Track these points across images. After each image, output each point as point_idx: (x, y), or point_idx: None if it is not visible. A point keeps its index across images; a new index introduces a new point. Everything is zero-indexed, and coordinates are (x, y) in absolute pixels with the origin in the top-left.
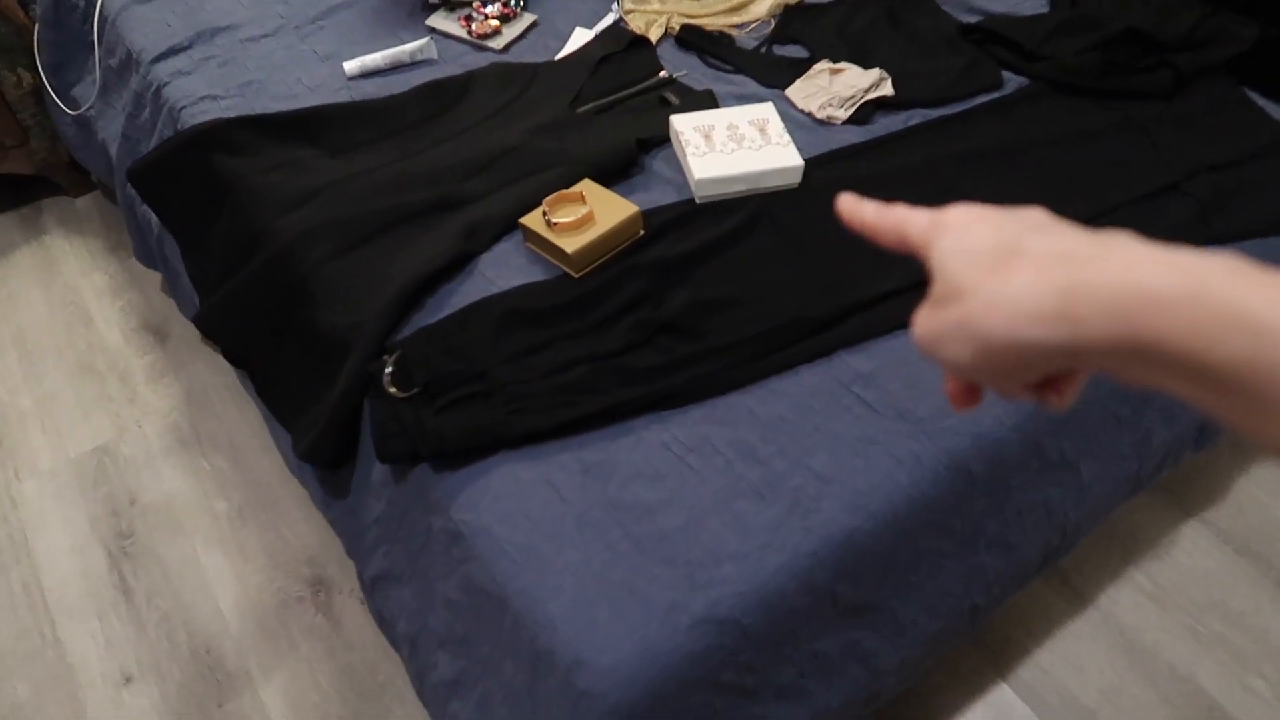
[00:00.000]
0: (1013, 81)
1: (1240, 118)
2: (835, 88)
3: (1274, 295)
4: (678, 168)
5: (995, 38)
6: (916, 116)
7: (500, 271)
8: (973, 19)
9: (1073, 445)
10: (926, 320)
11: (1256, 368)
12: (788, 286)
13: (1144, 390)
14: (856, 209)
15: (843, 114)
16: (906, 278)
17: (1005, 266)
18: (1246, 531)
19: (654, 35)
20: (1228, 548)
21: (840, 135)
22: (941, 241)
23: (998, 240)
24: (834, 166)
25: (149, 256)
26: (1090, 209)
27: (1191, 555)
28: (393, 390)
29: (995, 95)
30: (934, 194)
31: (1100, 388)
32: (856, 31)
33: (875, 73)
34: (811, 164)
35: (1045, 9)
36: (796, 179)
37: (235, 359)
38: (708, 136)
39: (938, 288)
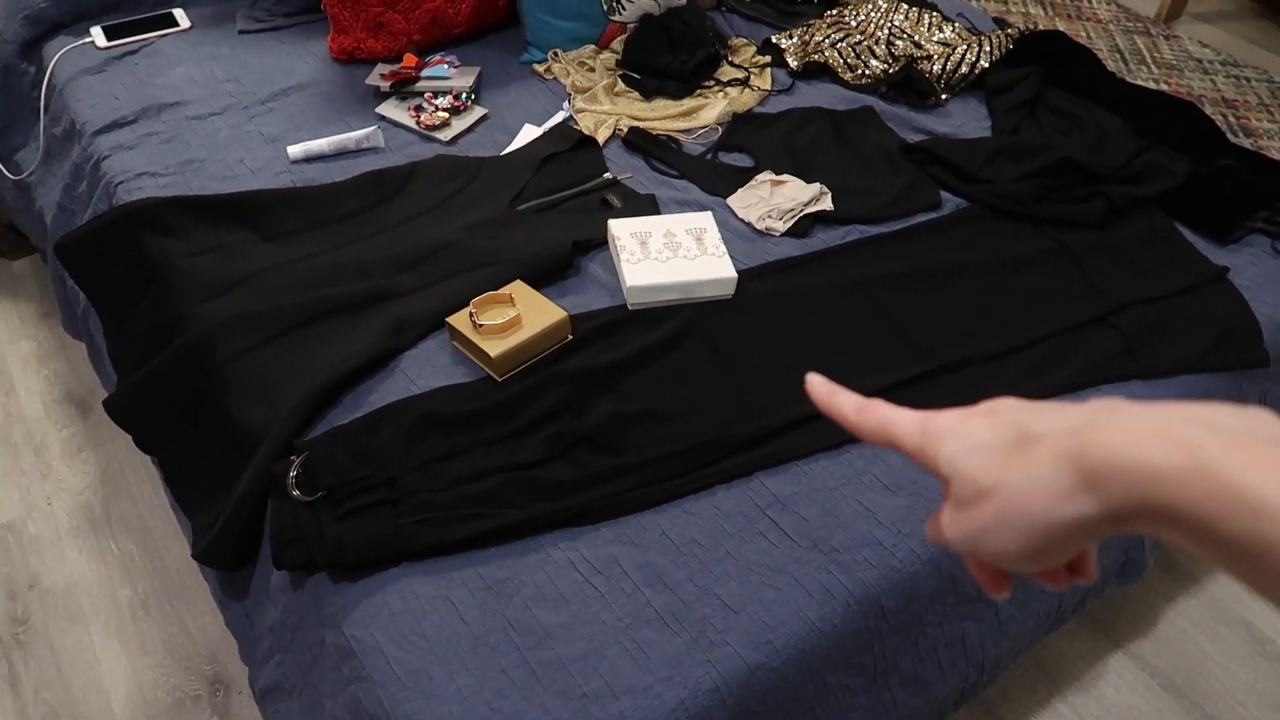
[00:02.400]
0: (951, 203)
1: (1170, 252)
2: (776, 199)
3: (1271, 471)
4: (614, 271)
5: (937, 158)
6: (855, 232)
7: (423, 371)
8: (917, 138)
9: None
10: (957, 523)
11: (1257, 543)
12: (712, 403)
13: None
14: (832, 399)
15: (781, 226)
16: None
17: (1023, 454)
18: (1173, 666)
19: (602, 136)
20: (1154, 683)
21: (778, 247)
22: (945, 446)
23: (1001, 432)
24: (769, 279)
25: (75, 328)
26: (1019, 338)
27: (1118, 689)
28: (296, 493)
29: (933, 215)
30: (865, 312)
31: None
32: (802, 144)
33: (816, 187)
34: (747, 275)
35: (988, 133)
36: (730, 290)
37: (145, 446)
38: (644, 243)
39: (957, 490)
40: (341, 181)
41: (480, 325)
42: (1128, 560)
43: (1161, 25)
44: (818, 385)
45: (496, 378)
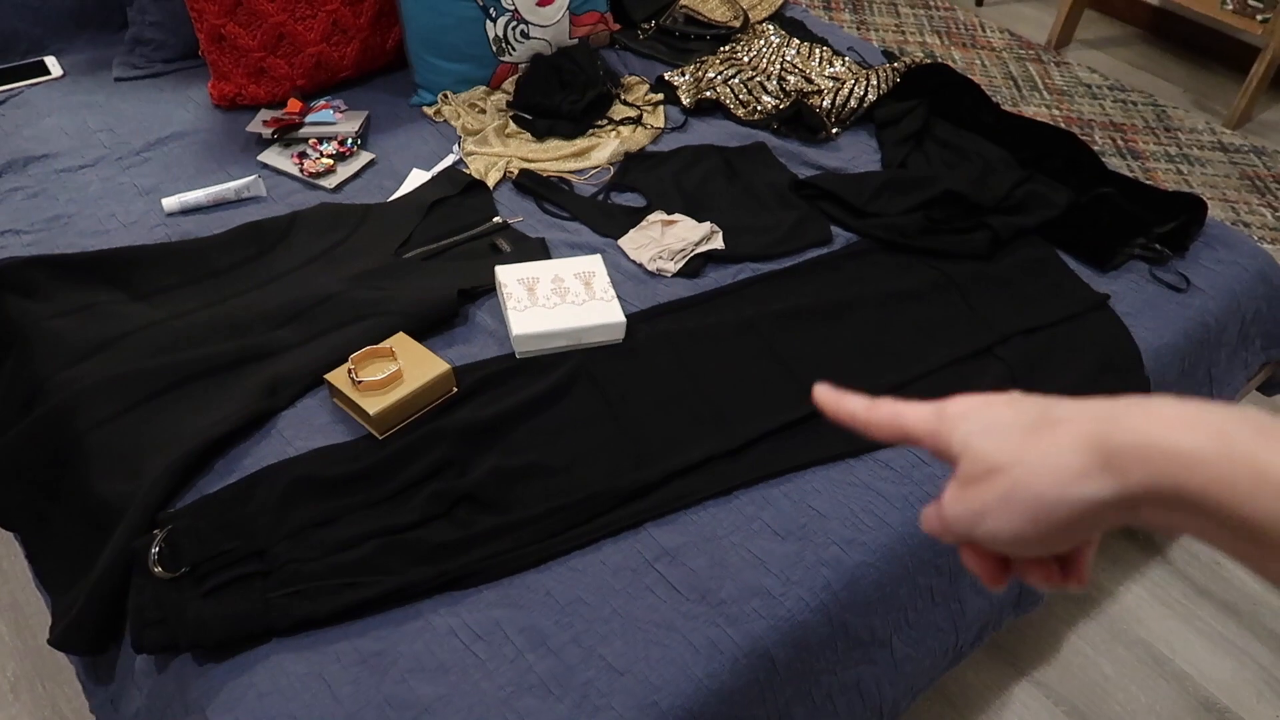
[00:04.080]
0: (841, 238)
1: (1053, 281)
2: (667, 240)
3: None
4: (502, 319)
5: (827, 193)
6: (746, 271)
7: (300, 431)
8: (808, 172)
9: (882, 622)
10: (959, 500)
11: None
12: (600, 453)
13: (958, 561)
14: (839, 403)
15: (673, 266)
16: (723, 443)
17: (1042, 434)
18: (1076, 692)
19: (492, 179)
20: (1059, 710)
21: (669, 288)
22: (961, 427)
23: (1021, 414)
24: (660, 321)
25: None
26: (907, 372)
27: (1023, 718)
28: (158, 570)
29: (824, 251)
30: (756, 352)
31: (908, 562)
32: (693, 182)
33: (706, 226)
34: (637, 318)
35: (878, 166)
36: (619, 335)
37: (4, 522)
38: (531, 289)
39: (966, 468)
40: (217, 235)
41: (359, 382)
42: (1023, 590)
43: (1052, 52)
44: (823, 394)
45: (377, 435)
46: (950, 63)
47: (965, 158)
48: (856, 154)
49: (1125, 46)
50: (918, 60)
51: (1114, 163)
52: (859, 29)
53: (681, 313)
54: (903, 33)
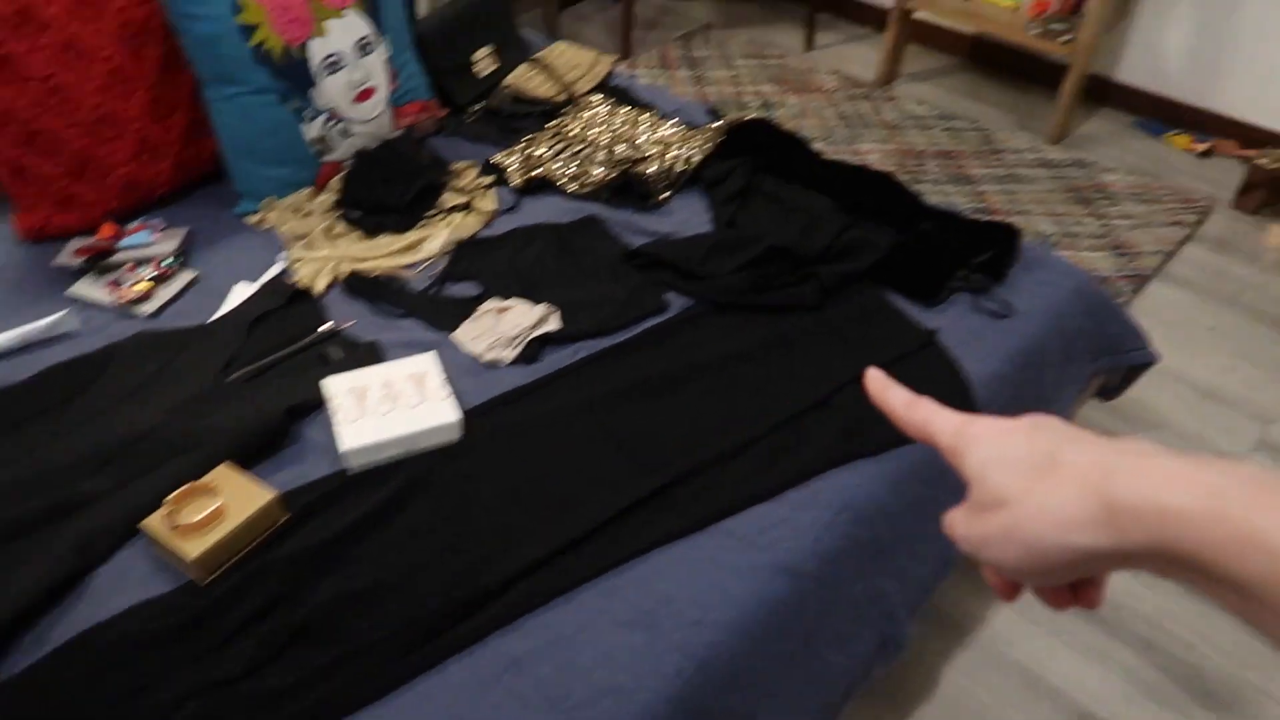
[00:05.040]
0: (677, 303)
1: (883, 324)
2: (502, 327)
3: None
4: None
5: (659, 260)
6: (584, 349)
7: (118, 588)
8: (642, 240)
9: (743, 697)
10: (968, 524)
11: (1275, 585)
12: (438, 565)
13: (810, 622)
14: (884, 393)
15: (509, 354)
16: (563, 536)
17: (1048, 477)
18: None
19: (321, 284)
20: None
21: (508, 377)
22: (976, 451)
23: (1034, 450)
24: (499, 413)
25: None
26: (746, 436)
27: None
28: None
29: (660, 319)
30: (593, 435)
31: (757, 633)
32: (527, 263)
33: (541, 308)
34: (475, 414)
35: (710, 227)
36: (456, 435)
37: None
38: (361, 398)
39: (977, 494)
40: (22, 381)
41: (177, 525)
42: (884, 640)
43: (881, 89)
44: (874, 380)
45: (199, 582)
46: (785, 107)
47: (791, 210)
48: (688, 217)
49: (949, 76)
50: (740, 117)
51: (948, 189)
52: (696, 84)
53: (520, 401)
54: (739, 84)
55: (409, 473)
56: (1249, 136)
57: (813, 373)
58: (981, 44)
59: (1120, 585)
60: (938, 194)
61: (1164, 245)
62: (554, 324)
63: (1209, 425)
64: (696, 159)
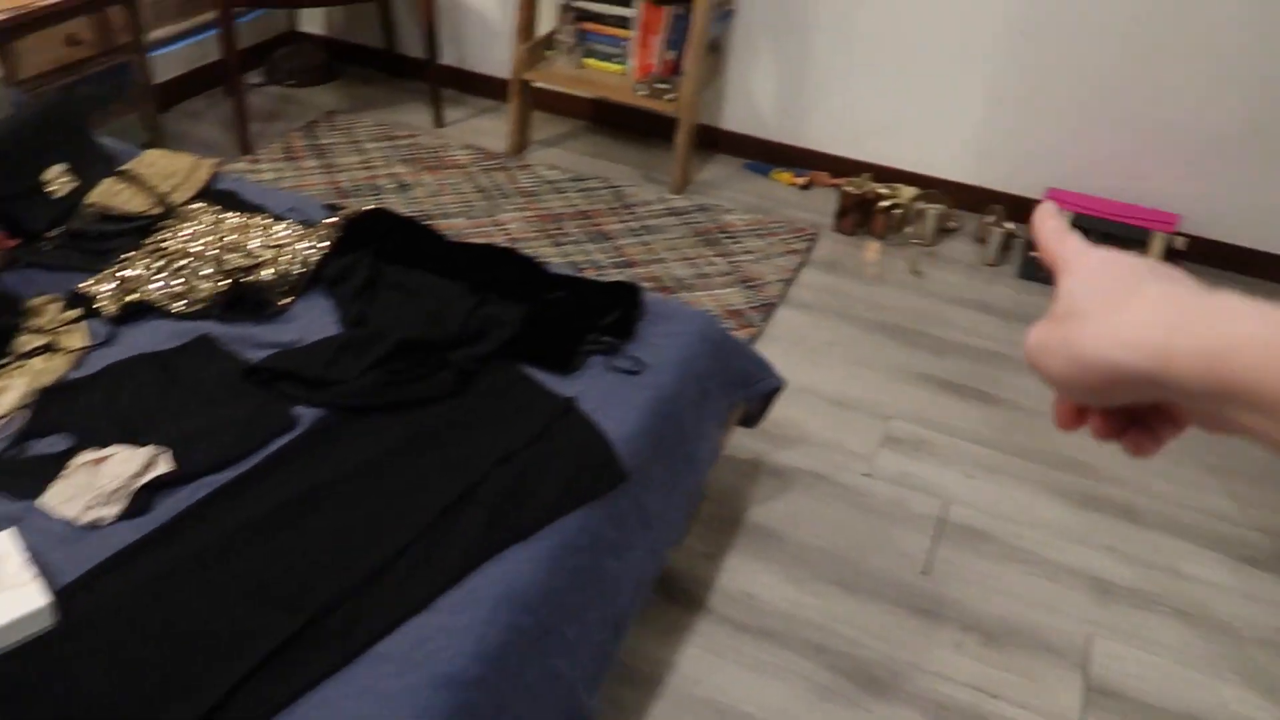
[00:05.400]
0: (308, 416)
1: (522, 399)
2: (99, 481)
3: None
4: None
5: (282, 373)
6: (205, 487)
7: None
8: (262, 354)
9: None
10: (1040, 330)
11: None
12: None
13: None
14: (1045, 221)
15: (111, 511)
16: (196, 708)
17: (1123, 302)
18: None
19: None
20: None
21: (114, 537)
22: (1075, 273)
23: (1123, 281)
24: (106, 582)
25: None
26: (392, 546)
27: None
28: None
29: (289, 437)
30: (226, 580)
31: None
32: (127, 402)
33: (147, 451)
34: (73, 589)
35: (337, 328)
36: (47, 621)
37: None
38: None
39: (1060, 304)
40: None
41: None
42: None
43: (515, 159)
44: (1043, 213)
45: None
46: (421, 186)
47: (420, 297)
48: (312, 321)
49: (577, 139)
50: (358, 210)
51: (589, 248)
52: (327, 173)
53: (132, 563)
54: (371, 168)
55: None
56: (837, 167)
57: (457, 463)
58: (601, 106)
59: (786, 595)
60: (580, 254)
61: (784, 274)
62: (164, 466)
63: (842, 430)
64: (315, 258)
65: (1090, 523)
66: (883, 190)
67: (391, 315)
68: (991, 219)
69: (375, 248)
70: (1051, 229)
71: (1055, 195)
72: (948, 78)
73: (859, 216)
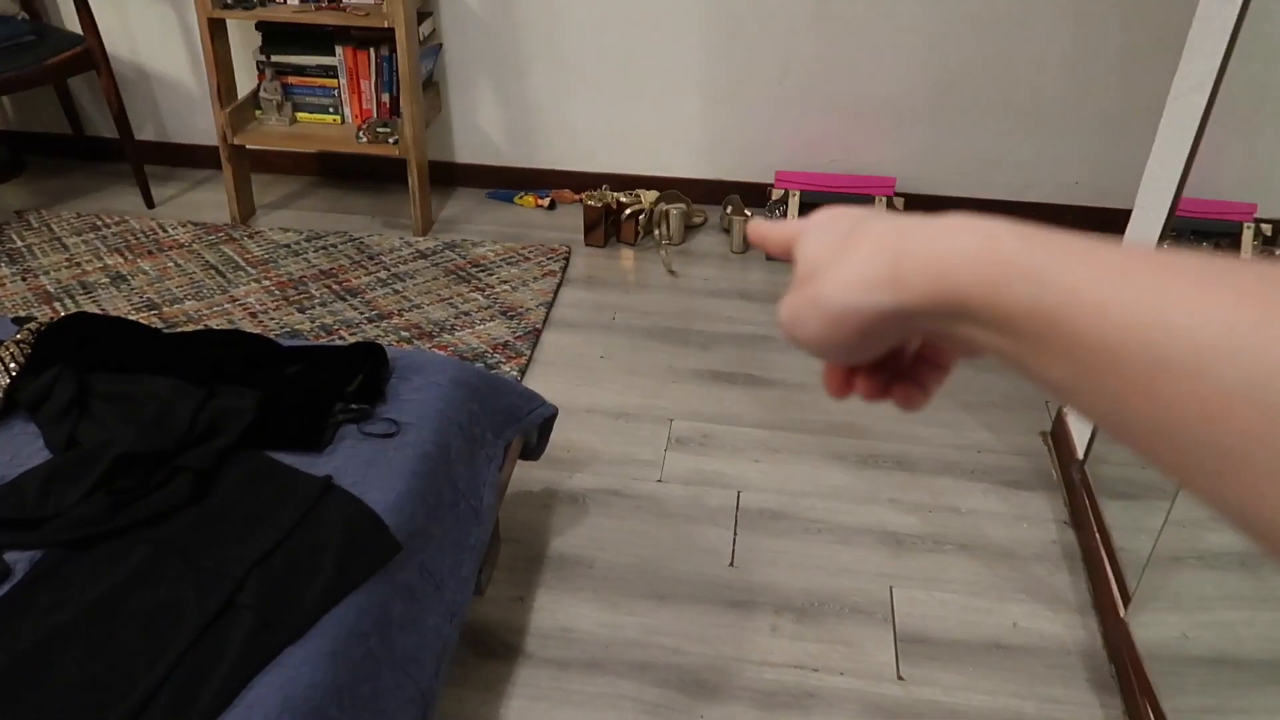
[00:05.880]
0: (22, 561)
1: (274, 487)
2: None
3: (1055, 249)
4: None
5: None
6: None
7: None
8: None
9: None
10: (788, 301)
11: (1043, 315)
12: None
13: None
14: (757, 230)
15: None
16: None
17: (850, 244)
18: None
19: None
20: None
21: None
22: (807, 233)
23: (851, 224)
24: None
25: None
26: (147, 683)
27: None
28: None
29: (5, 589)
30: None
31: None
32: None
33: None
34: None
35: (45, 455)
36: None
37: None
38: None
39: (799, 270)
40: None
41: None
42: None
43: (241, 227)
44: (754, 226)
45: None
46: (141, 274)
47: (138, 403)
48: (16, 453)
49: (307, 197)
50: (50, 318)
51: (337, 307)
52: (25, 279)
53: None
54: (78, 265)
55: None
56: (577, 183)
57: (210, 573)
58: (325, 159)
59: (603, 620)
60: (328, 315)
61: (544, 297)
62: None
63: (628, 442)
64: (4, 382)
65: (871, 481)
66: (624, 198)
67: (107, 430)
68: (730, 209)
69: (77, 358)
70: (768, 229)
71: (782, 177)
72: (661, 81)
73: (607, 228)
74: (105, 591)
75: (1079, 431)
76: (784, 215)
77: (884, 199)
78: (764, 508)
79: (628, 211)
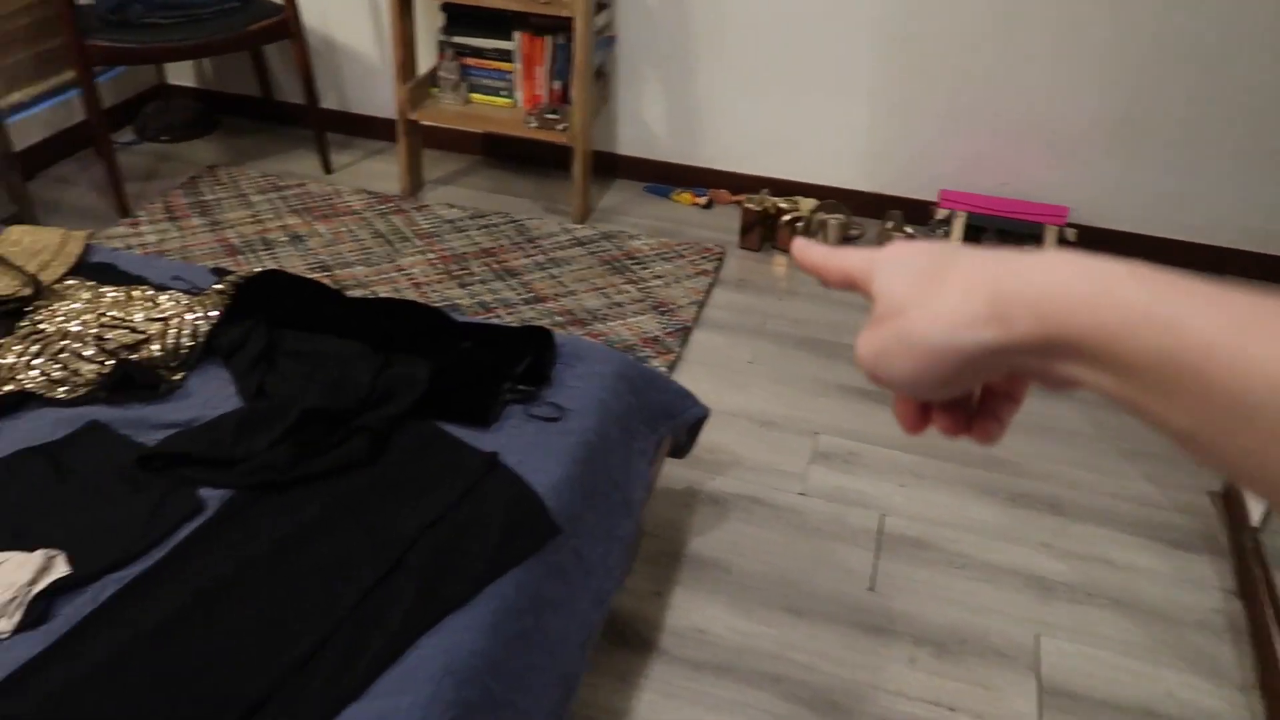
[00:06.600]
0: (215, 498)
1: (443, 458)
2: None
3: (1182, 295)
4: None
5: (182, 457)
6: (110, 586)
7: None
8: (159, 437)
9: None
10: (868, 339)
11: (1166, 359)
12: None
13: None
14: (804, 254)
15: (7, 625)
16: None
17: (942, 280)
18: None
19: None
20: None
21: (15, 652)
22: (881, 269)
23: (931, 259)
24: (7, 705)
25: None
26: (320, 631)
27: None
28: None
29: (197, 523)
30: (141, 685)
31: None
32: (13, 503)
33: (39, 555)
34: None
35: (237, 402)
36: None
37: None
38: None
39: (877, 307)
40: None
41: None
42: None
43: (410, 200)
44: (796, 245)
45: None
46: (316, 236)
47: (321, 363)
48: (211, 395)
49: (473, 175)
50: (249, 273)
51: (496, 286)
52: (213, 231)
53: (35, 680)
54: (260, 221)
55: None
56: (735, 184)
57: (382, 533)
58: (493, 140)
59: (737, 627)
60: (488, 293)
61: (696, 295)
62: (60, 569)
63: (772, 450)
64: (205, 328)
65: (1021, 520)
66: (783, 204)
67: (292, 385)
68: (891, 224)
69: (269, 313)
70: (822, 256)
71: (947, 196)
72: (828, 88)
73: (763, 231)
74: (284, 538)
75: (1255, 497)
76: (947, 235)
77: (1055, 229)
78: (907, 534)
79: (786, 218)
